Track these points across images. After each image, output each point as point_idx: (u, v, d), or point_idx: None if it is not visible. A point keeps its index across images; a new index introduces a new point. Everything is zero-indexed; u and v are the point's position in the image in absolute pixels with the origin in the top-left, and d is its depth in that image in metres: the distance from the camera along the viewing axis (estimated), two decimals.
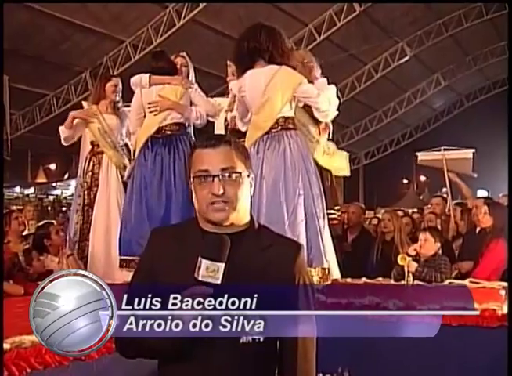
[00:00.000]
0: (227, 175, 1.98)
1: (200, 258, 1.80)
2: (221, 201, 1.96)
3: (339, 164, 5.11)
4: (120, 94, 6.03)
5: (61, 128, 5.97)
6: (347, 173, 5.20)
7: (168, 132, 5.31)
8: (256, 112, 4.61)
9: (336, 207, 5.24)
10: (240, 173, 2.01)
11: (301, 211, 4.39)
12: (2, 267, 4.47)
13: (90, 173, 5.89)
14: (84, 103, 6.26)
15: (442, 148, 7.29)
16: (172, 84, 5.37)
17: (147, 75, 5.44)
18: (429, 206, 8.04)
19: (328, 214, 4.78)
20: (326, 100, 4.59)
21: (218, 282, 1.79)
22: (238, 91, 4.72)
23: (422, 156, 7.73)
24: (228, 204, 1.97)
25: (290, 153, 4.47)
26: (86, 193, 5.87)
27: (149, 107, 5.35)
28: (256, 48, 4.54)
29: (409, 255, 5.07)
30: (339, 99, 4.82)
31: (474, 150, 7.46)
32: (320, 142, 5.02)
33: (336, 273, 4.66)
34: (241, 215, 2.03)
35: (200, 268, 1.80)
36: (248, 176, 2.05)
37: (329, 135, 5.20)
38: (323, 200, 4.56)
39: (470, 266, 5.69)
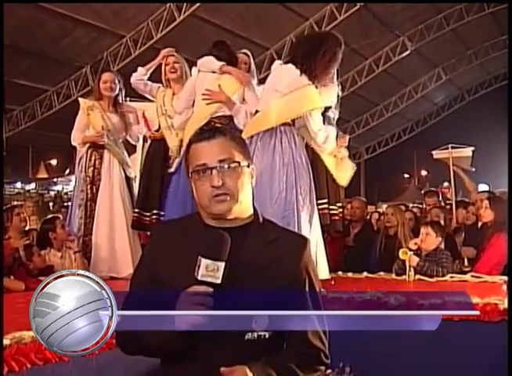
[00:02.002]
0: (225, 166, 1.95)
1: (199, 258, 1.78)
2: (222, 193, 1.94)
3: (343, 172, 5.08)
4: (118, 87, 5.98)
5: (78, 141, 5.97)
6: (345, 184, 5.17)
7: (218, 125, 5.16)
8: (263, 111, 4.63)
9: (338, 204, 5.22)
10: (239, 163, 1.98)
11: (282, 205, 4.38)
12: (2, 263, 4.47)
13: (92, 168, 5.88)
14: (80, 100, 6.26)
15: (450, 146, 7.64)
16: (233, 76, 5.24)
17: (220, 63, 5.32)
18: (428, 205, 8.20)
19: (330, 209, 4.77)
20: (324, 137, 4.67)
21: (218, 281, 1.77)
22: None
23: (436, 154, 8.02)
24: (230, 195, 1.94)
25: (280, 147, 4.48)
26: (89, 187, 5.86)
27: (202, 94, 5.23)
28: (313, 60, 4.54)
29: (410, 249, 5.07)
30: (340, 96, 4.86)
31: (473, 148, 7.93)
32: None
33: (324, 273, 4.61)
34: (244, 207, 2.01)
35: (199, 267, 1.77)
36: (248, 166, 2.03)
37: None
38: (313, 198, 4.55)
39: (474, 253, 5.70)
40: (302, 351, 1.98)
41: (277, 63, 4.91)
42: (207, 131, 2.03)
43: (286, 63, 4.69)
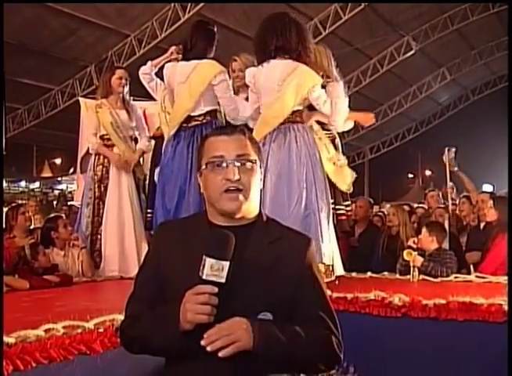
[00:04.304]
0: (242, 162, 1.96)
1: (204, 257, 1.77)
2: (235, 189, 1.94)
3: (342, 179, 5.05)
4: (128, 85, 6.00)
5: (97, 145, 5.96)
6: (347, 189, 5.15)
7: (197, 122, 5.16)
8: (267, 107, 4.59)
9: (345, 203, 5.21)
10: (255, 161, 2.00)
11: (303, 204, 4.36)
12: (2, 262, 4.47)
13: (101, 166, 5.89)
14: (80, 99, 6.27)
15: (446, 148, 7.69)
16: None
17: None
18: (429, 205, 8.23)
19: (336, 209, 4.76)
20: (331, 106, 4.57)
21: (223, 281, 1.77)
22: (252, 78, 4.69)
23: (444, 158, 8.10)
24: (242, 192, 1.95)
25: (295, 146, 4.46)
26: (96, 185, 5.88)
27: None
28: (285, 47, 4.51)
29: (409, 247, 5.06)
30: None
31: (455, 149, 7.92)
32: (323, 141, 4.98)
33: (340, 270, 4.64)
34: (252, 207, 2.02)
35: (204, 266, 1.77)
36: (260, 168, 2.04)
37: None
38: (328, 196, 4.53)
39: (478, 257, 5.68)
40: (312, 333, 1.94)
41: (252, 70, 4.78)
42: (227, 128, 2.09)
43: (261, 63, 4.62)
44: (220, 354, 1.75)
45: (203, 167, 2.00)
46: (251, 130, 4.58)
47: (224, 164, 1.95)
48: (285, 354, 1.86)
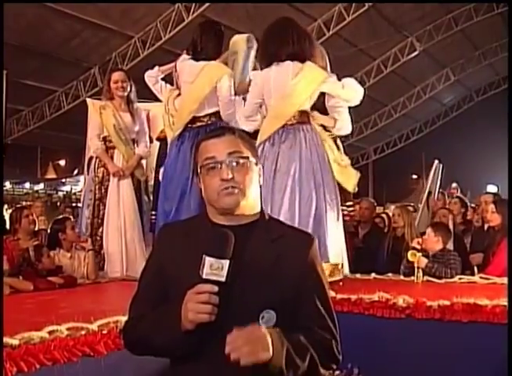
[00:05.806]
0: (234, 160, 1.97)
1: (203, 256, 1.78)
2: (230, 186, 1.94)
3: (347, 178, 5.06)
4: (129, 87, 5.99)
5: (102, 148, 5.95)
6: (352, 190, 5.17)
7: (202, 123, 5.18)
8: (279, 102, 4.63)
9: (347, 203, 5.22)
10: (248, 157, 2.00)
11: (313, 204, 4.40)
12: (2, 263, 4.48)
13: (102, 168, 5.91)
14: (88, 101, 6.28)
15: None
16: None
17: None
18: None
19: (342, 210, 4.77)
20: (353, 91, 4.68)
21: (223, 279, 1.76)
22: (259, 81, 4.73)
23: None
24: (238, 189, 1.95)
25: (305, 146, 4.50)
26: (97, 187, 5.89)
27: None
28: (297, 54, 4.60)
29: (413, 248, 5.05)
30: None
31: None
32: (327, 142, 5.00)
33: (346, 270, 4.66)
34: (251, 203, 2.01)
35: (204, 266, 1.77)
36: (256, 165, 2.04)
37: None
38: (337, 196, 4.56)
39: (480, 259, 5.66)
40: (313, 337, 1.95)
41: (258, 73, 4.83)
42: (217, 130, 2.06)
43: (267, 66, 4.69)
44: (242, 362, 1.70)
45: (199, 171, 2.01)
46: (249, 134, 4.62)
47: (217, 166, 1.96)
48: (293, 365, 1.84)
